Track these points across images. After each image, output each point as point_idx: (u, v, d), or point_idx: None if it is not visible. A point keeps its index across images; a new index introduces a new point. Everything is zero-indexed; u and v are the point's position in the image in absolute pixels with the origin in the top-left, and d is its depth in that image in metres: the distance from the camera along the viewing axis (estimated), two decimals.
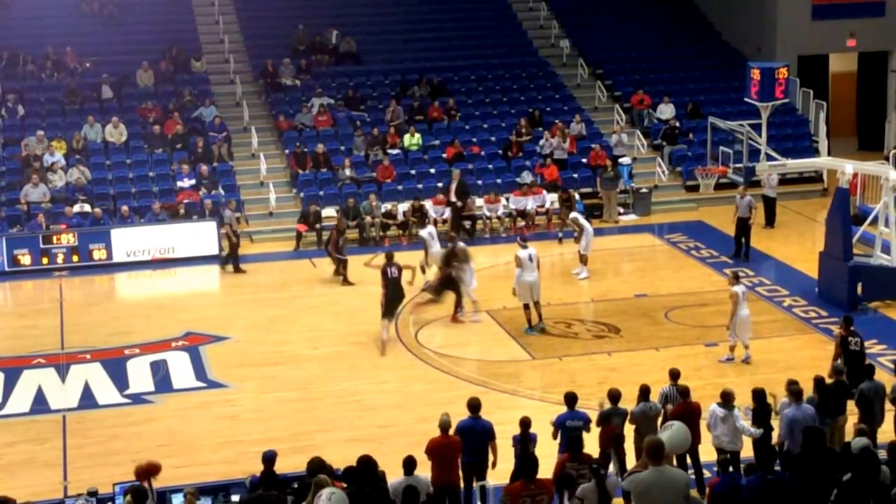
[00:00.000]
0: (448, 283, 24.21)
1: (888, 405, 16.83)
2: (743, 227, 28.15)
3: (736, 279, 21.84)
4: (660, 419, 16.08)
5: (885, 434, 16.23)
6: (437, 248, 26.40)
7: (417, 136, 33.88)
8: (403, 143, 33.80)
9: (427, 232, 27.02)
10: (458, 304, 24.37)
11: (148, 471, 13.51)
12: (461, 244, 24.90)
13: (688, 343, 22.77)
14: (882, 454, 14.01)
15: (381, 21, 39.26)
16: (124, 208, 29.85)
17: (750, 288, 25.70)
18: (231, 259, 28.33)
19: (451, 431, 15.00)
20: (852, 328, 19.02)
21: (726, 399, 15.99)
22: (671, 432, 14.32)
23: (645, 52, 38.78)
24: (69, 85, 34.72)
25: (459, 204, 30.77)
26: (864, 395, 16.61)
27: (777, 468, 15.21)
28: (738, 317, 21.39)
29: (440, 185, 31.70)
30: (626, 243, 30.37)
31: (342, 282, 26.95)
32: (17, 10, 37.35)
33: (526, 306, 23.58)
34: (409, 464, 13.50)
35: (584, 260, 26.99)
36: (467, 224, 30.98)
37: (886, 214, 25.01)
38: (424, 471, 14.12)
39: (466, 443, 14.99)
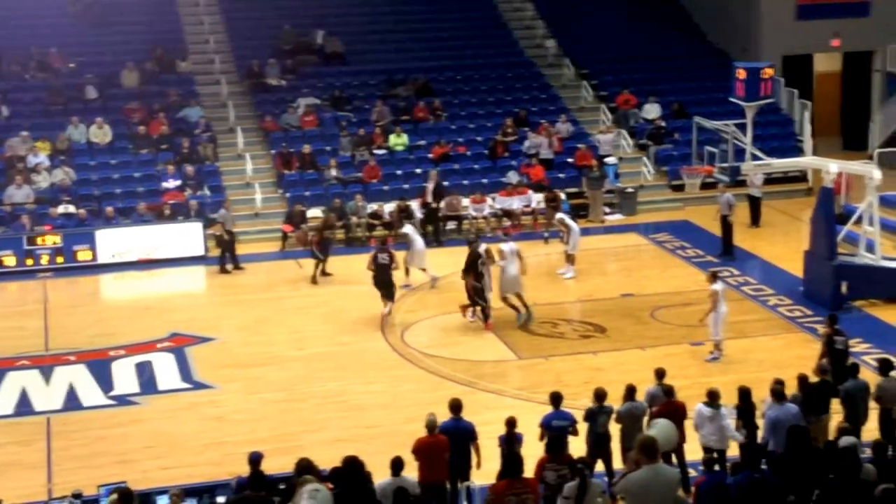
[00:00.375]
0: (479, 291, 23.45)
1: (872, 403, 16.86)
2: (724, 224, 28.26)
3: (714, 278, 21.95)
4: (646, 418, 16.11)
5: (869, 433, 16.29)
6: (420, 245, 26.46)
7: (404, 136, 33.86)
8: (389, 143, 33.77)
9: (410, 228, 27.10)
10: (484, 311, 23.75)
11: None
12: (483, 245, 24.02)
13: (674, 342, 22.79)
14: (869, 452, 14.06)
15: (366, 21, 39.18)
16: (109, 209, 29.76)
17: (735, 287, 25.81)
18: (225, 258, 28.23)
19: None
20: (837, 327, 19.09)
21: (713, 398, 16.03)
22: (657, 430, 14.34)
23: (631, 52, 38.78)
24: (53, 85, 34.62)
25: (434, 205, 30.70)
26: (848, 393, 16.66)
27: (764, 467, 15.28)
28: (719, 314, 21.52)
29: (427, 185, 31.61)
30: (611, 243, 30.39)
31: (319, 274, 27.15)
32: (0, 10, 37.20)
33: (504, 298, 23.72)
34: (397, 465, 13.49)
35: (571, 259, 27.02)
36: (452, 224, 30.98)
37: (871, 213, 25.07)
38: (410, 471, 14.10)
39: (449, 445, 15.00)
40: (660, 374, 16.83)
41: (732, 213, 28.31)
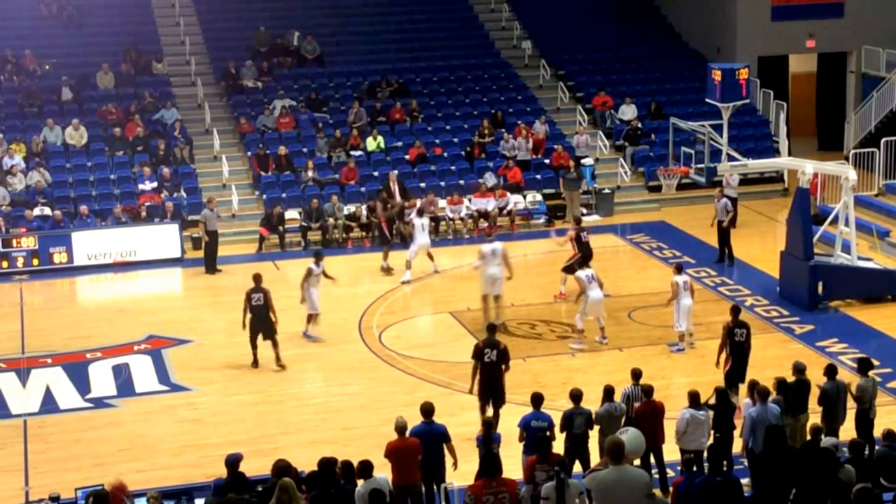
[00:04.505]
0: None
1: (850, 403, 16.93)
2: (719, 229, 27.97)
3: (679, 270, 22.28)
4: (623, 419, 16.13)
5: (845, 432, 16.37)
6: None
7: (381, 138, 33.81)
8: (366, 144, 33.73)
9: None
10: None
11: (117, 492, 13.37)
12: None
13: (651, 343, 22.84)
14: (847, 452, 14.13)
15: (343, 23, 39.14)
16: (84, 209, 29.62)
17: (712, 287, 25.88)
18: (210, 259, 28.16)
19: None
20: (739, 319, 19.24)
21: (698, 401, 16.06)
22: (627, 437, 14.36)
23: (607, 53, 38.92)
24: (28, 87, 34.46)
25: (406, 204, 30.55)
26: (825, 394, 16.72)
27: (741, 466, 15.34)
28: (681, 306, 21.84)
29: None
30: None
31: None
32: None
33: (484, 298, 23.60)
34: (366, 468, 13.39)
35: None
36: (430, 224, 30.92)
37: (846, 214, 25.19)
38: (383, 472, 14.05)
39: (421, 447, 14.98)
40: (636, 374, 16.87)
41: (728, 218, 27.97)
